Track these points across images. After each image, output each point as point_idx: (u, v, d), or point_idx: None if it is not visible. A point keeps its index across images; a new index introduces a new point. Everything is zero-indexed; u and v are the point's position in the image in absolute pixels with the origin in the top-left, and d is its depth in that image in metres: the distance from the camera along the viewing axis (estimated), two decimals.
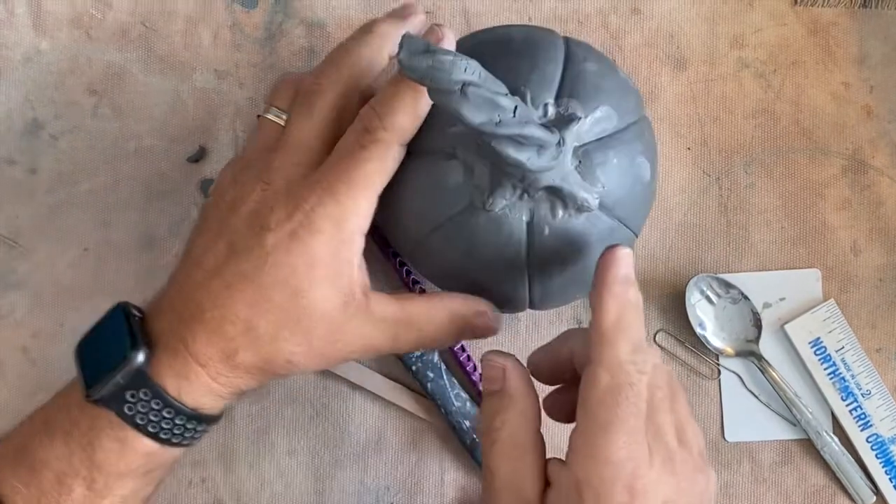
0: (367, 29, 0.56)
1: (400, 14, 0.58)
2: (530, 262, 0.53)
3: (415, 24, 0.57)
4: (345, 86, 0.54)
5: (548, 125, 0.51)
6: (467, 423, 0.63)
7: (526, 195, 0.52)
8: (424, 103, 0.51)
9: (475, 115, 0.47)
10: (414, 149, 0.53)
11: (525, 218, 0.52)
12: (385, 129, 0.51)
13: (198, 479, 0.64)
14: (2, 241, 0.63)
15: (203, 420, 0.53)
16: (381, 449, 0.64)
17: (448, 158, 0.52)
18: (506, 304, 0.56)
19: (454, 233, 0.53)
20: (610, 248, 0.49)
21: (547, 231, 0.52)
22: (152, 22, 0.64)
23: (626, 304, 0.48)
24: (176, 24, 0.64)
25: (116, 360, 0.50)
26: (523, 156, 0.49)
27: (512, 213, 0.52)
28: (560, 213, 0.52)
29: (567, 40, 0.56)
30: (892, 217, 0.64)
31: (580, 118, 0.52)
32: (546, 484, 0.49)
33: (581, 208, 0.52)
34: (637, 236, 0.56)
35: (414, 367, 0.63)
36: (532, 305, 0.56)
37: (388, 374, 0.64)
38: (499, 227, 0.52)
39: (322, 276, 0.51)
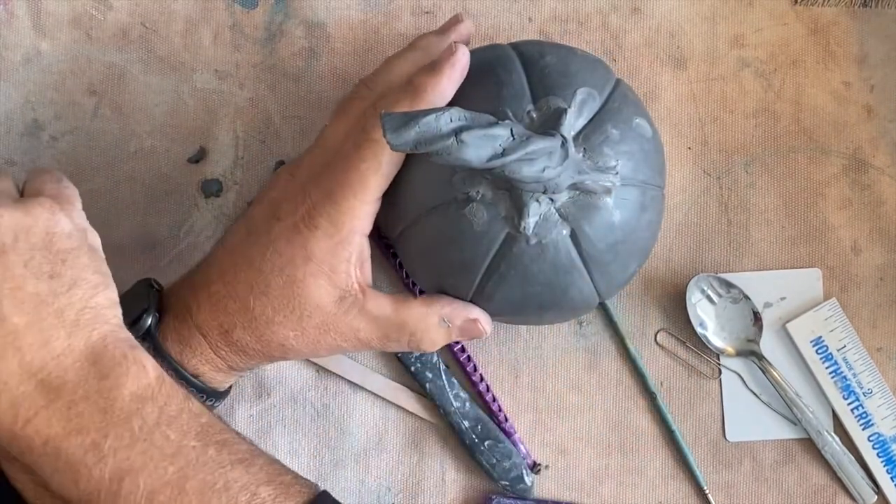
0: (411, 45, 0.58)
1: (444, 28, 0.59)
2: (586, 264, 0.54)
3: (461, 34, 0.58)
4: (379, 95, 0.56)
5: (543, 130, 0.51)
6: (467, 423, 0.63)
7: (553, 208, 0.52)
8: (422, 107, 0.52)
9: (479, 155, 0.48)
10: (427, 207, 0.54)
11: (565, 231, 0.53)
12: (378, 128, 0.52)
13: None
14: None
15: (202, 391, 0.55)
16: (382, 449, 0.64)
17: (464, 205, 0.53)
18: (577, 312, 0.58)
19: (506, 271, 0.54)
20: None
21: (588, 229, 0.53)
22: (152, 22, 0.64)
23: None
24: (176, 25, 0.64)
25: (129, 322, 0.53)
26: (537, 169, 0.50)
27: (552, 232, 0.53)
28: (593, 206, 0.53)
29: (514, 45, 0.56)
30: (893, 216, 0.64)
31: (566, 109, 0.52)
32: None
33: (608, 190, 0.53)
34: (663, 188, 0.57)
35: (413, 368, 0.63)
36: (601, 299, 0.57)
37: (388, 375, 0.64)
38: (543, 251, 0.53)
39: (318, 270, 0.53)
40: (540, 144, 0.49)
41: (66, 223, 0.50)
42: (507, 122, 0.49)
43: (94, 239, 0.52)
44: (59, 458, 0.47)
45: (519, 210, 0.52)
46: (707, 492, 0.63)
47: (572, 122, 0.53)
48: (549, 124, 0.52)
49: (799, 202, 0.65)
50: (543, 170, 0.50)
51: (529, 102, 0.53)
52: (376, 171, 0.53)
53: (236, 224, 0.57)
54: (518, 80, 0.54)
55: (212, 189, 0.64)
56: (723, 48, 0.65)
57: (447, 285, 0.56)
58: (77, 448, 0.46)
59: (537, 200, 0.52)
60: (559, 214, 0.53)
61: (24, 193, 0.52)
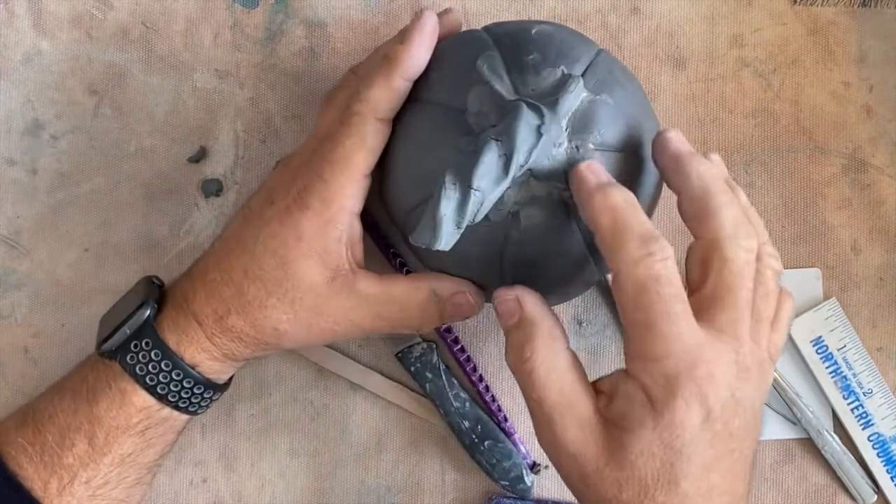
0: (398, 34, 0.58)
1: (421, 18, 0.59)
2: (588, 246, 0.53)
3: (449, 21, 0.58)
4: (362, 78, 0.56)
5: (532, 102, 0.51)
6: (467, 423, 0.63)
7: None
8: (397, 77, 0.53)
9: (497, 180, 0.49)
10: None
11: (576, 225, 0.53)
12: (360, 101, 0.53)
13: (199, 479, 0.64)
14: (2, 242, 0.64)
15: (200, 382, 0.56)
16: (382, 449, 0.64)
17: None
18: (584, 289, 0.58)
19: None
20: (573, 167, 0.50)
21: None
22: (153, 22, 0.64)
23: (612, 207, 0.48)
24: (176, 24, 0.64)
25: (128, 314, 0.55)
26: (533, 141, 0.50)
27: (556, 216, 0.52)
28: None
29: (486, 31, 0.56)
30: (893, 216, 0.64)
31: (571, 75, 0.52)
32: (601, 397, 0.49)
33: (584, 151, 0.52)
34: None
35: (413, 368, 0.63)
36: (603, 276, 0.57)
37: (388, 375, 0.64)
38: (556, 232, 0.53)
39: (309, 250, 0.53)
40: (521, 132, 0.49)
41: None
42: (487, 142, 0.50)
43: None
44: None
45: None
46: None
47: (579, 94, 0.52)
48: (554, 89, 0.52)
49: (799, 202, 0.65)
50: (538, 138, 0.50)
51: (508, 78, 0.53)
52: (362, 145, 0.53)
53: (235, 216, 0.57)
54: (486, 47, 0.54)
55: (212, 189, 0.64)
56: (722, 48, 0.65)
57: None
58: None
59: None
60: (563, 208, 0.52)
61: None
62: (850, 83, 0.65)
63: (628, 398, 0.47)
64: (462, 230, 0.50)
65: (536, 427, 0.50)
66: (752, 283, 0.49)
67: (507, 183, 0.49)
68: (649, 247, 0.47)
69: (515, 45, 0.53)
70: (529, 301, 0.51)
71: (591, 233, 0.50)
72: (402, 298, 0.55)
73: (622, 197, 0.48)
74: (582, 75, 0.53)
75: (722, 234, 0.48)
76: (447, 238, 0.49)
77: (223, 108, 0.64)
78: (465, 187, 0.49)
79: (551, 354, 0.49)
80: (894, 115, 0.65)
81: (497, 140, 0.49)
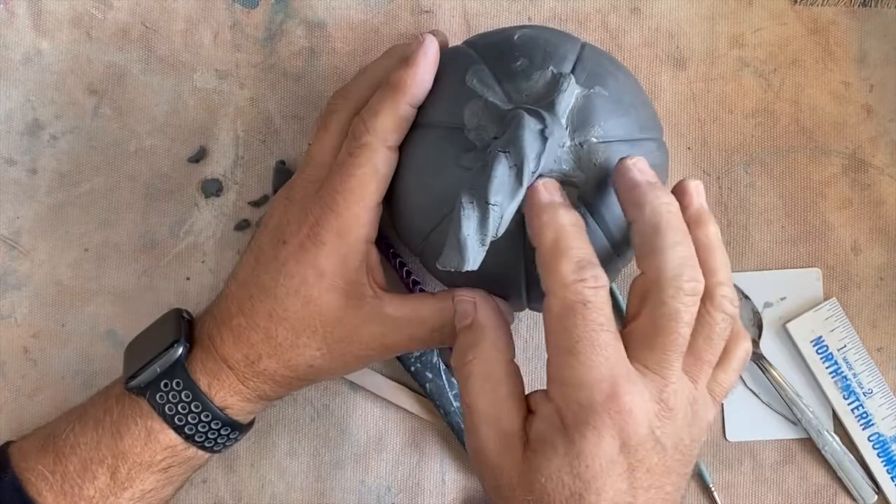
0: (384, 54, 0.59)
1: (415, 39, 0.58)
2: (610, 240, 0.53)
3: (439, 39, 0.57)
4: (356, 103, 0.56)
5: (531, 108, 0.51)
6: None
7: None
8: (404, 104, 0.53)
9: (511, 193, 0.49)
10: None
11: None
12: (369, 131, 0.53)
13: (199, 479, 0.64)
14: (2, 242, 0.63)
15: (227, 424, 0.55)
16: (382, 449, 0.64)
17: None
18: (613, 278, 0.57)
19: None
20: (531, 186, 0.50)
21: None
22: (153, 22, 0.64)
23: (558, 227, 0.48)
24: (176, 24, 0.64)
25: (159, 352, 0.54)
26: (539, 147, 0.50)
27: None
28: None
29: (469, 45, 0.56)
30: (893, 216, 0.64)
31: (562, 74, 0.52)
32: (530, 415, 0.48)
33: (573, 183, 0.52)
34: (659, 138, 0.56)
35: (413, 368, 0.63)
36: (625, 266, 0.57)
37: (388, 375, 0.64)
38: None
39: (331, 285, 0.53)
40: (527, 139, 0.49)
41: None
42: (496, 155, 0.50)
43: None
44: None
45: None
46: (713, 489, 0.63)
47: (573, 91, 0.52)
48: (548, 91, 0.52)
49: (799, 202, 0.65)
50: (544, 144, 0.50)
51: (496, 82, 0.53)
52: (374, 175, 0.53)
53: (245, 256, 0.56)
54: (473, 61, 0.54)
55: (212, 189, 0.64)
56: (722, 48, 0.65)
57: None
58: None
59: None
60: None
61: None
62: (851, 83, 0.65)
63: (545, 420, 0.47)
64: (487, 247, 0.50)
65: (465, 429, 0.50)
66: (687, 327, 0.47)
67: (522, 192, 0.49)
68: (584, 273, 0.46)
69: (501, 54, 0.54)
70: (484, 308, 0.51)
71: (616, 227, 0.51)
72: (432, 318, 0.54)
73: (570, 220, 0.48)
74: (572, 72, 0.53)
75: (663, 274, 0.47)
76: (474, 257, 0.49)
77: (223, 108, 0.64)
78: (483, 204, 0.49)
79: (491, 364, 0.49)
80: (894, 114, 0.65)
81: (505, 152, 0.49)
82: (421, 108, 0.54)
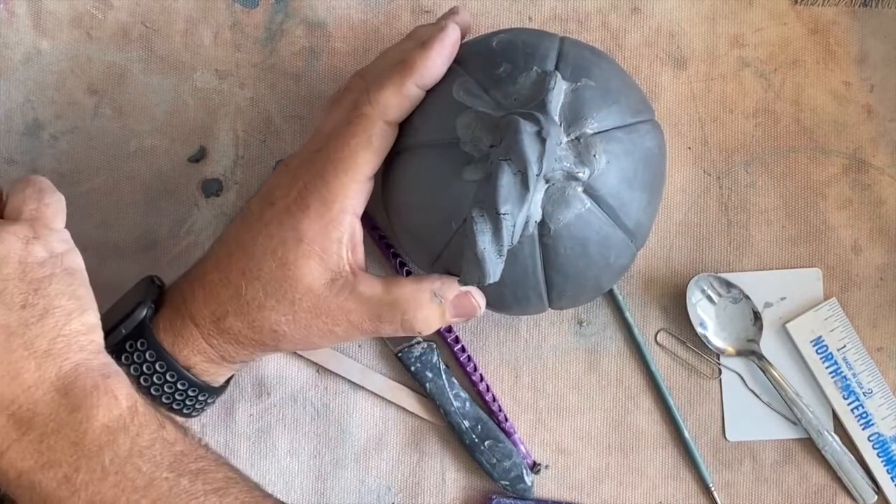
0: (407, 36, 0.59)
1: (439, 20, 0.58)
2: (622, 228, 0.54)
3: (457, 24, 0.57)
4: (372, 81, 0.56)
5: (523, 111, 0.51)
6: (467, 423, 0.63)
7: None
8: (411, 83, 0.53)
9: (516, 200, 0.50)
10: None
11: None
12: (370, 103, 0.53)
13: None
14: None
15: (194, 385, 0.55)
16: (382, 449, 0.64)
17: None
18: (630, 262, 0.58)
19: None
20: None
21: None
22: (153, 22, 0.64)
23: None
24: (176, 24, 0.64)
25: (124, 315, 0.55)
26: (538, 153, 0.50)
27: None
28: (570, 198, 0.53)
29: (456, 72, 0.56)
30: (893, 216, 0.64)
31: (548, 72, 0.52)
32: None
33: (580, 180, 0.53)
34: (652, 118, 0.56)
35: (413, 368, 0.63)
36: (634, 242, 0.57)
37: (388, 375, 0.64)
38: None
39: (309, 251, 0.53)
40: (526, 143, 0.49)
41: (39, 251, 0.49)
42: (498, 165, 0.50)
43: (73, 260, 0.51)
44: (33, 490, 0.46)
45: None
46: (713, 489, 0.63)
47: (560, 88, 0.52)
48: (536, 91, 0.52)
49: (799, 202, 0.65)
50: (543, 150, 0.50)
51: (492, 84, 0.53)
52: (367, 147, 0.53)
53: (234, 217, 0.57)
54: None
55: (212, 188, 0.64)
56: (723, 48, 0.65)
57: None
58: (50, 481, 0.46)
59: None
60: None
61: (2, 213, 0.52)
62: (851, 83, 0.65)
63: None
64: (504, 257, 0.50)
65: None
66: None
67: (530, 197, 0.49)
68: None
69: (482, 62, 0.54)
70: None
71: (625, 215, 0.52)
72: (404, 300, 0.54)
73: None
74: (556, 68, 0.53)
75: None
76: (493, 269, 0.50)
77: (223, 108, 0.64)
78: (494, 215, 0.49)
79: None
80: (895, 115, 0.65)
81: (506, 160, 0.49)
82: (413, 130, 0.54)
